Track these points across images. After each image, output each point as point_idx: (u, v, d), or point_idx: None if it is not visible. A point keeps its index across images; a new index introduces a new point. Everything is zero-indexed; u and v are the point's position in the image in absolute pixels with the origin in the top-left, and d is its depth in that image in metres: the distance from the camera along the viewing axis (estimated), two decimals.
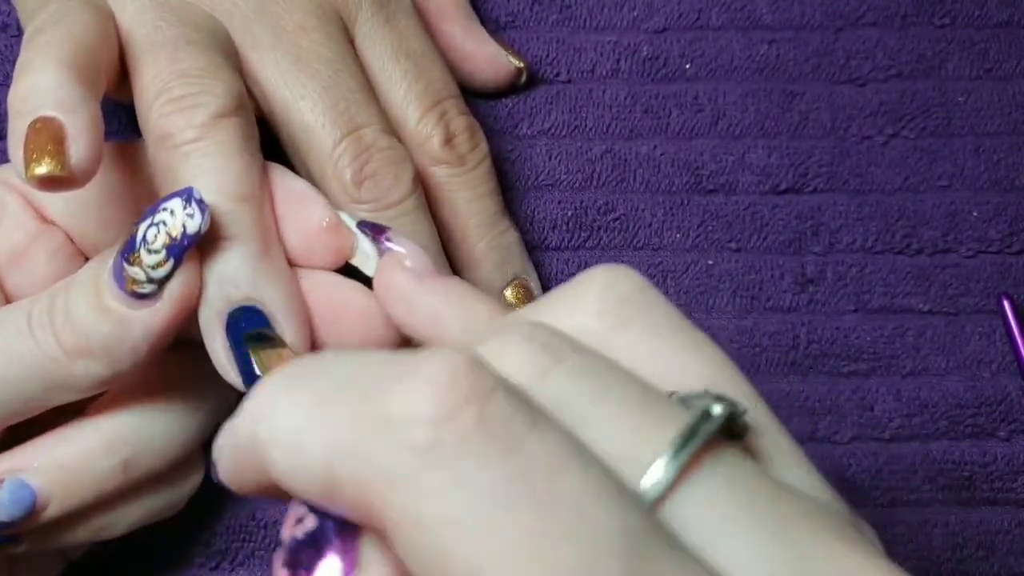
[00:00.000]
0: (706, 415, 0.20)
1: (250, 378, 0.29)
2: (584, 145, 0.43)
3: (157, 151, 0.30)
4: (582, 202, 0.42)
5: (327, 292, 0.31)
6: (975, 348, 0.41)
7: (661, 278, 0.41)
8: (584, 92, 0.43)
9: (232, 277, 0.29)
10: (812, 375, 0.41)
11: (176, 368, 0.33)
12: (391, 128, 0.36)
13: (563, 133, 0.43)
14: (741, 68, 0.44)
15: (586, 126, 0.43)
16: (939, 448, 0.40)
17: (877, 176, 0.43)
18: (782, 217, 0.42)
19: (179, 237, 0.28)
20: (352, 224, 0.32)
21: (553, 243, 0.41)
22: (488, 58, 0.42)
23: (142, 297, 0.28)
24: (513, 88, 0.43)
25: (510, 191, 0.42)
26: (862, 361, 0.41)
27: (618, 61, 0.44)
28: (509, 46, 0.42)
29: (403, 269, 0.29)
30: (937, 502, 0.39)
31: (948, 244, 0.42)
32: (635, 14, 0.44)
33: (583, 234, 0.42)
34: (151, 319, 0.28)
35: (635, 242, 0.42)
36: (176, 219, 0.28)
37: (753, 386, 0.23)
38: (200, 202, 0.28)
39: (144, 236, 0.28)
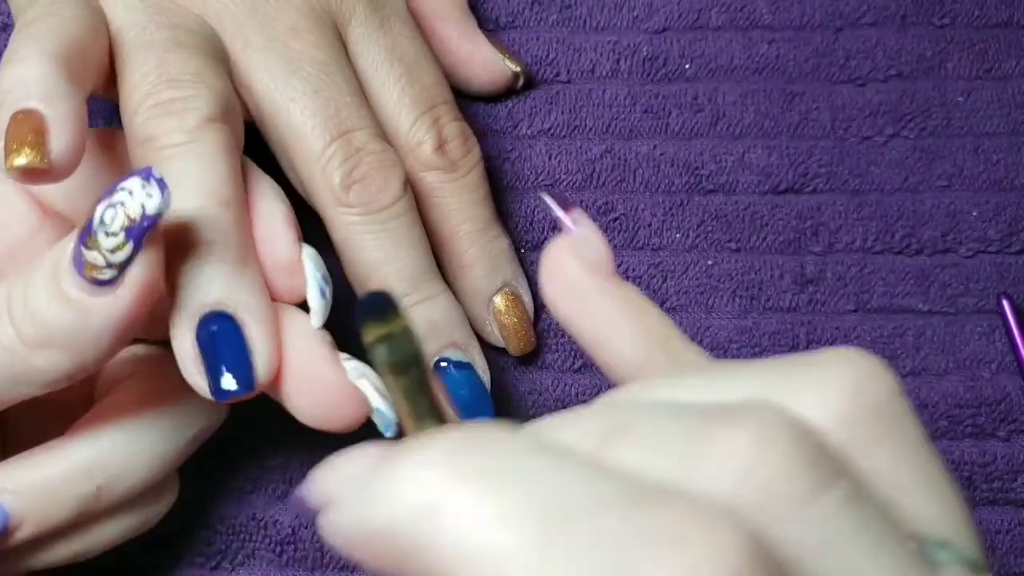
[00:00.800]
0: None
1: (219, 388, 0.28)
2: (584, 145, 0.43)
3: (143, 153, 0.30)
4: (582, 202, 0.42)
5: (299, 356, 0.30)
6: (975, 348, 0.41)
7: (661, 278, 0.41)
8: (584, 92, 0.43)
9: (208, 281, 0.28)
10: None
11: (154, 391, 0.32)
12: (382, 132, 0.36)
13: (563, 133, 0.43)
14: (741, 68, 0.44)
15: (586, 126, 0.43)
16: (939, 448, 0.40)
17: (877, 176, 0.43)
18: (782, 217, 0.42)
19: (138, 219, 0.26)
20: (312, 265, 0.31)
21: None
22: (485, 62, 0.41)
23: (102, 283, 0.26)
24: (511, 92, 0.43)
25: (510, 191, 0.42)
26: None
27: (618, 61, 0.44)
28: (507, 50, 0.42)
29: (580, 263, 0.25)
30: None
31: (948, 244, 0.42)
32: (635, 14, 0.44)
33: None
34: (113, 306, 0.27)
35: (635, 242, 0.42)
36: (135, 199, 0.26)
37: (974, 526, 0.20)
38: (160, 181, 0.26)
39: (101, 218, 0.26)
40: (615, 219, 0.42)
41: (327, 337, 0.31)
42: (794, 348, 0.41)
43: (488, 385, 0.36)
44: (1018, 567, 0.39)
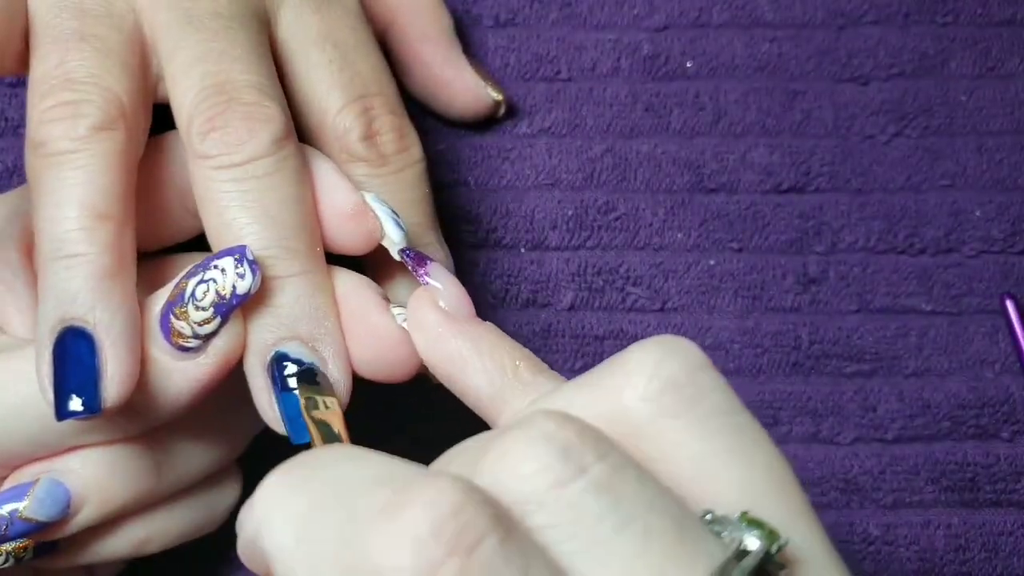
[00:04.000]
0: (741, 553, 0.18)
1: (64, 408, 0.27)
2: (584, 144, 0.42)
3: (31, 157, 0.29)
4: (582, 201, 0.42)
5: (366, 322, 0.30)
6: (978, 348, 0.41)
7: (662, 278, 0.41)
8: (585, 90, 0.43)
9: (72, 295, 0.28)
10: (814, 376, 0.40)
11: None
12: (275, 92, 0.31)
13: (563, 132, 0.43)
14: (743, 66, 0.43)
15: (587, 124, 0.43)
16: (942, 449, 0.40)
17: (879, 175, 0.42)
18: (784, 216, 0.42)
19: (228, 296, 0.28)
20: (378, 206, 0.31)
21: (553, 243, 0.41)
22: (466, 88, 0.40)
23: (186, 350, 0.28)
24: (492, 118, 0.42)
25: (510, 190, 0.42)
26: (865, 362, 0.40)
27: (619, 59, 0.43)
28: (490, 76, 0.41)
29: (431, 306, 0.28)
30: (940, 503, 0.39)
31: (951, 244, 0.42)
32: (636, 12, 0.44)
33: (584, 233, 0.41)
34: (194, 371, 0.29)
35: (636, 242, 0.41)
36: (227, 278, 0.28)
37: (804, 499, 0.21)
38: (252, 262, 0.28)
39: (193, 292, 0.28)
40: (616, 218, 0.42)
41: (379, 289, 0.31)
42: (796, 348, 0.40)
43: (344, 392, 0.30)
44: (1021, 569, 0.39)
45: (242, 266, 0.28)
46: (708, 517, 0.20)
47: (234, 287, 0.28)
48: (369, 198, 0.31)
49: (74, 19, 0.30)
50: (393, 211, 0.31)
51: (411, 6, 0.40)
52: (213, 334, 0.28)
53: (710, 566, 0.18)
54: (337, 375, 0.30)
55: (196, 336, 0.28)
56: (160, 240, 0.33)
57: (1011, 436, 0.40)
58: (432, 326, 0.28)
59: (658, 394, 0.21)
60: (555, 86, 0.43)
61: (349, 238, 0.31)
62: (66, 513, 0.30)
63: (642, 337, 0.40)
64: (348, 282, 0.31)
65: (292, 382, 0.29)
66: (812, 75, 0.43)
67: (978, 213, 0.42)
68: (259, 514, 0.20)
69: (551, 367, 0.40)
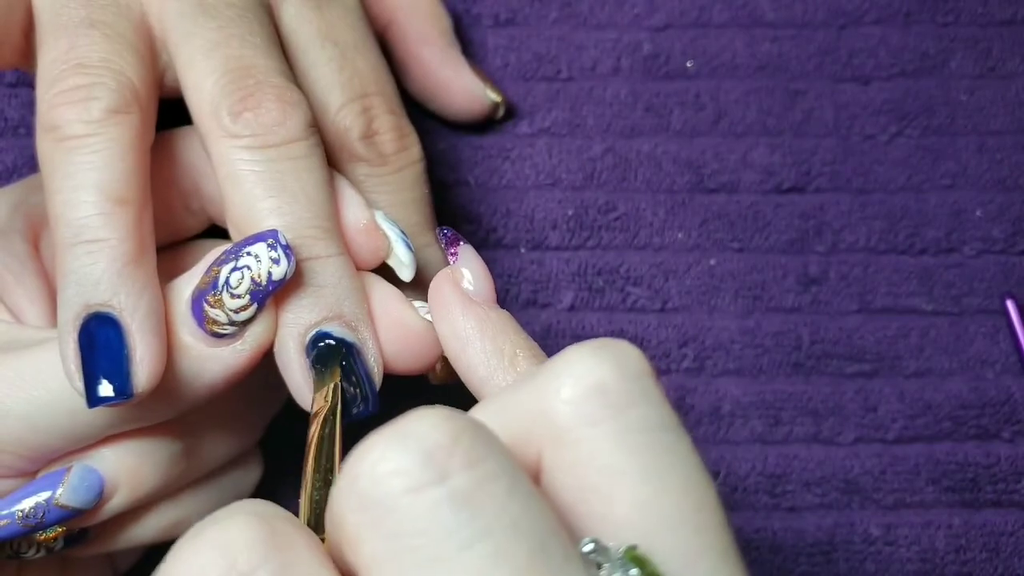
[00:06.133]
0: None
1: (95, 394, 0.27)
2: (585, 143, 0.42)
3: (43, 142, 0.29)
4: (583, 201, 0.42)
5: (391, 314, 0.30)
6: (979, 349, 0.41)
7: (663, 278, 0.41)
8: (585, 90, 0.43)
9: (95, 281, 0.28)
10: (815, 376, 0.40)
11: None
12: (290, 74, 0.31)
13: (563, 131, 0.43)
14: (743, 66, 0.43)
15: (587, 124, 0.43)
16: (943, 449, 0.40)
17: (880, 175, 0.42)
18: (785, 216, 0.42)
19: (264, 283, 0.28)
20: (388, 226, 0.31)
21: (553, 242, 0.41)
22: (464, 90, 0.40)
23: (221, 336, 0.28)
24: (490, 120, 0.42)
25: (510, 190, 0.42)
26: (865, 362, 0.40)
27: (619, 59, 0.43)
28: (488, 79, 0.41)
29: (453, 286, 0.29)
30: (941, 504, 0.39)
31: (952, 244, 0.42)
32: (636, 11, 0.44)
33: (584, 233, 0.41)
34: (231, 358, 0.29)
35: (636, 241, 0.41)
36: (262, 264, 0.28)
37: (722, 533, 0.19)
38: (286, 247, 0.28)
39: (227, 280, 0.28)
40: (616, 218, 0.41)
41: (398, 291, 0.31)
42: (797, 349, 0.40)
43: (377, 377, 0.30)
44: (1022, 569, 0.39)
45: (276, 251, 0.27)
46: (590, 547, 0.19)
47: (270, 273, 0.28)
48: (379, 217, 0.31)
49: (81, 8, 0.30)
50: (403, 231, 0.31)
51: (410, 7, 0.40)
52: (250, 320, 0.28)
53: None
54: (376, 356, 0.30)
55: (232, 323, 0.28)
56: (160, 239, 0.33)
57: (1012, 436, 0.40)
58: (448, 302, 0.28)
59: (582, 399, 0.20)
60: (555, 86, 0.43)
61: (357, 253, 0.31)
62: (99, 499, 0.30)
63: (643, 337, 0.40)
64: (367, 277, 0.31)
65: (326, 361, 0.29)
66: (813, 75, 0.43)
67: (979, 213, 0.42)
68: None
69: None
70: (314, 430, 0.28)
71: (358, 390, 0.29)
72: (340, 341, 0.29)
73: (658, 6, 0.44)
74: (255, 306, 0.28)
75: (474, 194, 0.42)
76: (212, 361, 0.29)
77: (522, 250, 0.41)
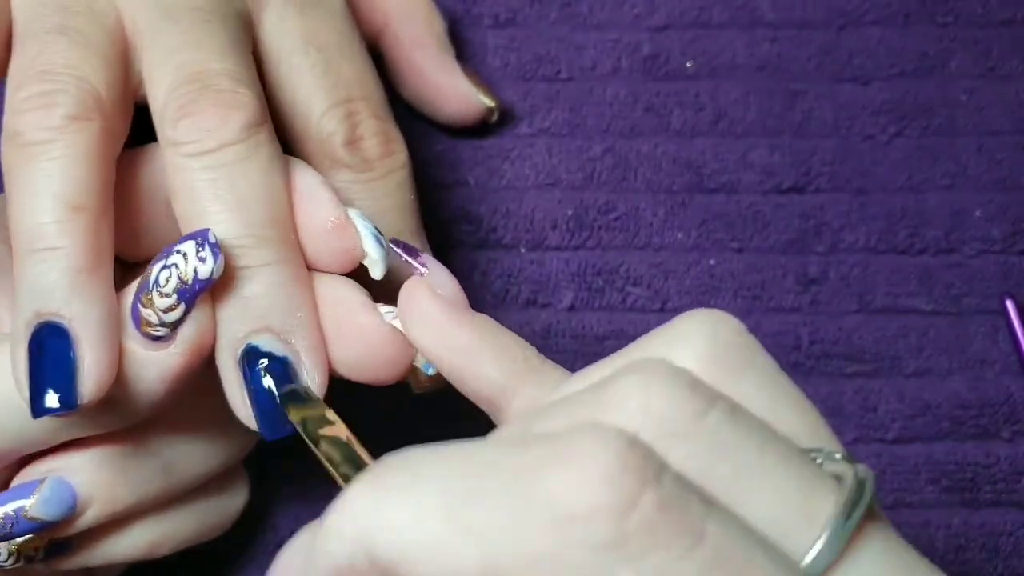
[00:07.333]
0: (860, 484, 0.19)
1: (40, 404, 0.27)
2: (584, 144, 0.42)
3: (6, 148, 0.29)
4: (582, 201, 0.42)
5: (355, 321, 0.29)
6: (978, 349, 0.41)
7: (662, 278, 0.41)
8: (585, 90, 0.43)
9: (48, 289, 0.27)
10: (814, 376, 0.40)
11: (214, 379, 0.32)
12: (251, 82, 0.30)
13: (563, 131, 0.43)
14: (743, 66, 0.43)
15: (587, 124, 0.43)
16: (942, 449, 0.40)
17: (880, 175, 0.42)
18: (784, 216, 0.42)
19: (190, 282, 0.27)
20: (362, 223, 0.30)
21: (553, 242, 0.41)
22: (457, 94, 0.40)
23: (157, 339, 0.28)
24: (485, 125, 0.41)
25: (510, 190, 0.42)
26: (865, 362, 0.40)
27: (619, 59, 0.43)
28: (483, 83, 0.41)
29: (433, 297, 0.27)
30: (940, 504, 0.39)
31: (951, 244, 0.42)
32: (636, 11, 0.44)
33: (584, 233, 0.41)
34: (166, 360, 0.28)
35: (636, 242, 0.41)
36: (188, 263, 0.27)
37: (836, 440, 0.22)
38: (214, 246, 0.27)
39: (156, 278, 0.27)
40: (616, 218, 0.41)
41: (363, 290, 0.30)
42: (796, 349, 0.40)
43: (319, 388, 0.29)
44: (1021, 569, 0.39)
45: (204, 250, 0.27)
46: (811, 454, 0.21)
47: (195, 271, 0.27)
48: (353, 214, 0.30)
49: (55, 15, 0.30)
50: (376, 229, 0.30)
51: (404, 11, 0.40)
52: (179, 322, 0.28)
53: (840, 495, 0.19)
54: (311, 369, 0.29)
55: (163, 324, 0.27)
56: (147, 251, 0.32)
57: (1011, 436, 0.40)
58: (434, 318, 0.27)
59: (723, 354, 0.22)
60: (555, 86, 0.43)
61: (327, 254, 0.30)
62: (71, 513, 0.30)
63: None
64: (331, 281, 0.30)
65: (268, 382, 0.28)
66: (812, 75, 0.43)
67: (978, 213, 0.42)
68: (366, 522, 0.19)
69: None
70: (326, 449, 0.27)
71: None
72: (267, 355, 0.28)
73: (658, 6, 0.44)
74: (183, 306, 0.27)
75: (474, 194, 0.42)
76: (149, 365, 0.28)
77: (522, 250, 0.41)
